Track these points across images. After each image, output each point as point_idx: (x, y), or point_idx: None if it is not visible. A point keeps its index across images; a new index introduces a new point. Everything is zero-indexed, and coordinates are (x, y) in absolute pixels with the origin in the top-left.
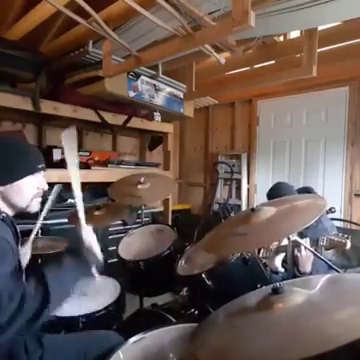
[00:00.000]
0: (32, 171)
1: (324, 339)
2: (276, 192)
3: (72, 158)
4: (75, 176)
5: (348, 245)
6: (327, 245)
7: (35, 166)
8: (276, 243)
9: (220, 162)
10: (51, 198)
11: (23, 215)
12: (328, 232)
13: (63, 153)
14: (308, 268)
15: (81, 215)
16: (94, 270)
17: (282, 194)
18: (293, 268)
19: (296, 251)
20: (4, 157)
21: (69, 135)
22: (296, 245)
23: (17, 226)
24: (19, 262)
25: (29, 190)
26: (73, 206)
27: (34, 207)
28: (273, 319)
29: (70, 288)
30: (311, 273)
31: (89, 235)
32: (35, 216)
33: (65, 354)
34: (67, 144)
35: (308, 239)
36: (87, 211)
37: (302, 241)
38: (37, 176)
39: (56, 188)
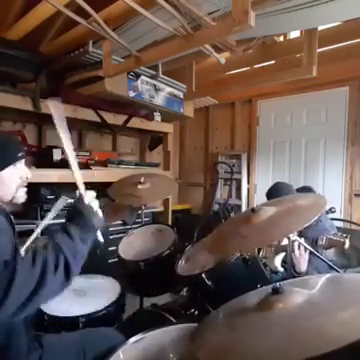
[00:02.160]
0: (11, 161)
1: (324, 339)
2: (275, 192)
3: (63, 126)
4: (69, 146)
5: (347, 244)
6: (326, 244)
7: (14, 155)
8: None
9: (220, 162)
10: (55, 209)
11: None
12: (328, 232)
13: (54, 124)
14: (303, 268)
15: (80, 183)
16: (99, 234)
17: (281, 194)
18: (290, 269)
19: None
20: None
21: (56, 105)
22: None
23: (12, 218)
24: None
25: (12, 181)
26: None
27: (21, 198)
28: (273, 319)
29: (83, 250)
30: (307, 273)
31: (92, 200)
32: (35, 216)
33: (65, 353)
34: (56, 113)
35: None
36: None
37: (301, 240)
38: (18, 166)
39: (61, 200)
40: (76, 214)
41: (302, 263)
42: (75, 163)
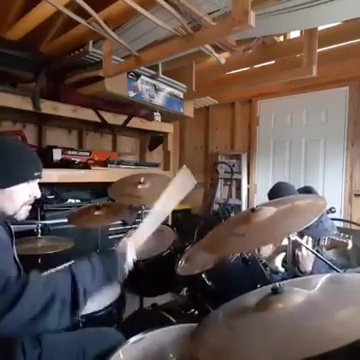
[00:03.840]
0: (27, 179)
1: (324, 339)
2: (277, 192)
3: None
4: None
5: (350, 245)
6: (328, 245)
7: (31, 174)
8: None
9: (220, 162)
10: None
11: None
12: (328, 232)
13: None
14: (309, 267)
15: (143, 236)
16: (120, 276)
17: (283, 194)
18: (293, 268)
19: (296, 250)
20: (1, 160)
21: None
22: (297, 245)
23: (12, 226)
24: (16, 262)
25: (21, 197)
26: (73, 206)
27: (22, 215)
28: (273, 319)
29: (95, 291)
30: (312, 272)
31: (132, 251)
32: (35, 216)
33: (64, 352)
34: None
35: (310, 238)
36: (87, 211)
37: (302, 241)
38: (31, 184)
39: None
40: (111, 258)
41: (308, 263)
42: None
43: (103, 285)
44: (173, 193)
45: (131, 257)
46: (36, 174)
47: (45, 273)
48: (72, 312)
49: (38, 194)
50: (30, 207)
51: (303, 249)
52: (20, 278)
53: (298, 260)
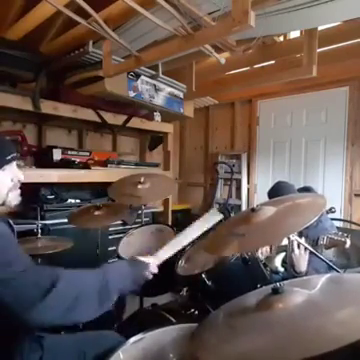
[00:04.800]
0: (2, 165)
1: (325, 339)
2: (277, 191)
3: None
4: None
5: (348, 243)
6: (327, 244)
7: (4, 159)
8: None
9: (220, 162)
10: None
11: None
12: (328, 231)
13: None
14: (303, 267)
15: (168, 253)
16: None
17: (283, 193)
18: (289, 269)
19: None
20: None
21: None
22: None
23: (14, 226)
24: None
25: (2, 185)
26: (73, 206)
27: (13, 200)
28: (273, 319)
29: (115, 293)
30: (307, 273)
31: (155, 267)
32: (35, 216)
33: (65, 354)
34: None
35: (302, 239)
36: (87, 211)
37: (301, 240)
38: (9, 168)
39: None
40: (137, 264)
41: (302, 263)
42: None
43: (128, 287)
44: (201, 224)
45: (153, 269)
46: (9, 157)
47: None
48: (101, 305)
49: (20, 176)
50: (19, 191)
51: (295, 249)
52: (54, 269)
53: (292, 261)
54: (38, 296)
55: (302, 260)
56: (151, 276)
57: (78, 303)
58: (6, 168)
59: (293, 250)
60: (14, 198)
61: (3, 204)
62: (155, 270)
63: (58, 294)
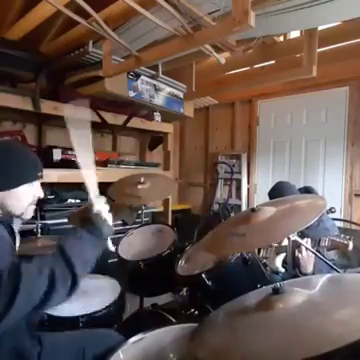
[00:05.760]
0: (30, 179)
1: (325, 339)
2: (278, 191)
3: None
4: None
5: (350, 246)
6: (329, 246)
7: (34, 174)
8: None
9: (220, 162)
10: None
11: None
12: (329, 232)
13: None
14: (310, 269)
15: (93, 187)
16: (110, 242)
17: (284, 194)
18: (293, 269)
19: (297, 252)
20: (3, 163)
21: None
22: (297, 246)
23: (14, 226)
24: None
25: (26, 198)
26: (73, 206)
27: (28, 214)
28: (273, 319)
29: (91, 258)
30: (313, 273)
31: (103, 205)
32: (34, 216)
33: (64, 352)
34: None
35: (309, 239)
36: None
37: (302, 241)
38: (34, 184)
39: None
40: (87, 222)
41: (309, 264)
42: (92, 167)
43: (95, 248)
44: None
45: (102, 205)
46: (39, 174)
47: (35, 258)
48: (72, 287)
49: (41, 194)
50: (34, 206)
51: (303, 251)
52: (11, 271)
53: (299, 262)
54: (6, 301)
55: (309, 261)
56: (111, 219)
57: (50, 292)
58: (34, 184)
59: (301, 251)
60: (30, 212)
61: (20, 216)
62: (107, 211)
63: (24, 294)
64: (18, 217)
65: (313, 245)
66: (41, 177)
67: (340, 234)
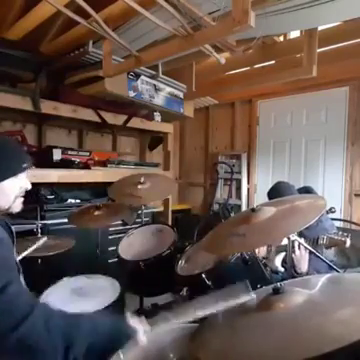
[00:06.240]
0: (15, 172)
1: (325, 339)
2: (277, 192)
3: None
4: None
5: (348, 243)
6: (327, 243)
7: (17, 166)
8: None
9: (220, 162)
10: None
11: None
12: (328, 231)
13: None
14: (304, 268)
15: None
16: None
17: (283, 194)
18: (290, 269)
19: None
20: None
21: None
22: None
23: (12, 226)
24: (16, 263)
25: (12, 191)
26: (73, 206)
27: (16, 207)
28: (274, 319)
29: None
30: (308, 273)
31: (142, 335)
32: (34, 216)
33: None
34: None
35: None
36: (87, 211)
37: (300, 240)
38: (20, 176)
39: None
40: (121, 331)
41: (303, 263)
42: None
43: (101, 345)
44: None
45: (141, 340)
46: (24, 166)
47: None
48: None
49: (28, 186)
50: (23, 199)
51: (296, 250)
52: (31, 300)
53: (293, 262)
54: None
55: (303, 261)
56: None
57: (40, 350)
58: (19, 176)
59: (294, 251)
60: (18, 205)
61: (8, 209)
62: (143, 342)
63: (26, 330)
64: (5, 211)
65: (311, 244)
66: (27, 168)
67: (338, 232)
